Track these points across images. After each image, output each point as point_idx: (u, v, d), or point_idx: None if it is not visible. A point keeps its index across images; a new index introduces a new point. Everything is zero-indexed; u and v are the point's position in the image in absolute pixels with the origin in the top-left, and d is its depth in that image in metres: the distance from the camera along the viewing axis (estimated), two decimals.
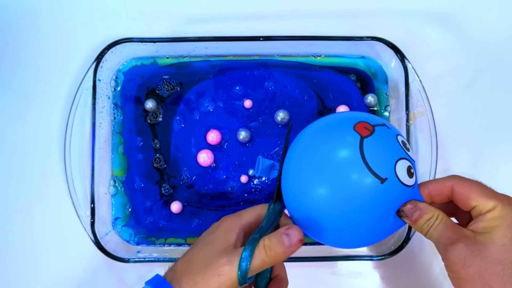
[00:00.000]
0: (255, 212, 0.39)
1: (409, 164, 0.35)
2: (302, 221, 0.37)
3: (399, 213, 0.36)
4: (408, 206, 0.36)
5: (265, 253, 0.34)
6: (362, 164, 0.33)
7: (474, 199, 0.36)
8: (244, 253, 0.34)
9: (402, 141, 0.36)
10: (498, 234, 0.34)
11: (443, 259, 0.35)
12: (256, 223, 0.38)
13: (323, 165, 0.34)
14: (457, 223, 0.36)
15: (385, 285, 0.52)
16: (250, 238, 0.35)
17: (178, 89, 0.53)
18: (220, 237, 0.37)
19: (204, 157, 0.51)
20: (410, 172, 0.35)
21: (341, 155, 0.34)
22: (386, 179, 0.33)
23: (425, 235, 0.36)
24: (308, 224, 0.37)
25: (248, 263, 0.33)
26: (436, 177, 0.49)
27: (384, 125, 0.36)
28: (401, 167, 0.34)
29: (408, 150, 0.36)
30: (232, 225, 0.38)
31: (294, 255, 0.49)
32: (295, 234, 0.34)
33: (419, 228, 0.36)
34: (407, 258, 0.52)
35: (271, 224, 0.37)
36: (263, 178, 0.52)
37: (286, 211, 0.39)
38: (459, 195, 0.36)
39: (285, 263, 0.49)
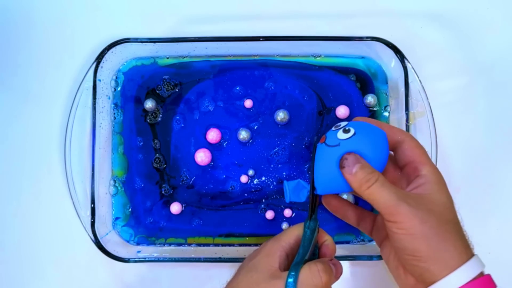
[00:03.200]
0: (293, 233, 0.39)
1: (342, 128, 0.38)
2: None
3: (341, 165, 0.37)
4: (349, 156, 0.36)
5: (319, 277, 0.36)
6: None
7: (421, 163, 0.38)
8: (289, 280, 0.35)
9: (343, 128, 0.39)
10: (440, 195, 0.37)
11: (393, 216, 0.35)
12: (296, 243, 0.39)
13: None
14: None
15: (385, 285, 0.52)
16: (293, 263, 0.36)
17: (178, 89, 0.53)
18: (263, 262, 0.37)
19: (202, 156, 0.52)
20: (345, 130, 0.38)
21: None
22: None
23: (365, 191, 0.36)
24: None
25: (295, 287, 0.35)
26: None
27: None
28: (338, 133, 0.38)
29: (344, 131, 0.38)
30: (273, 248, 0.38)
31: None
32: (340, 265, 0.39)
33: (357, 182, 0.36)
34: None
35: (309, 243, 0.38)
36: (263, 178, 0.52)
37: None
38: (408, 152, 0.39)
39: None
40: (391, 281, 0.52)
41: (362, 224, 0.42)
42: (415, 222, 0.35)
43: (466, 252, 0.36)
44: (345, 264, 0.52)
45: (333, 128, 0.39)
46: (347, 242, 0.51)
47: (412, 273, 0.36)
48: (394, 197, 0.35)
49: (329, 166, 0.37)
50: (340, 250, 0.50)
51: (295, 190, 0.40)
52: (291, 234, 0.39)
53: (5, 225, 0.53)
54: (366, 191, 0.36)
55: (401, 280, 0.38)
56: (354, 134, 0.37)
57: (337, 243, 0.50)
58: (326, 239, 0.40)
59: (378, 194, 0.36)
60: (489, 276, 0.36)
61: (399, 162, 0.40)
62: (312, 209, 0.39)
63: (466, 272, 0.35)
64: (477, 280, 0.34)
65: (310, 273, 0.36)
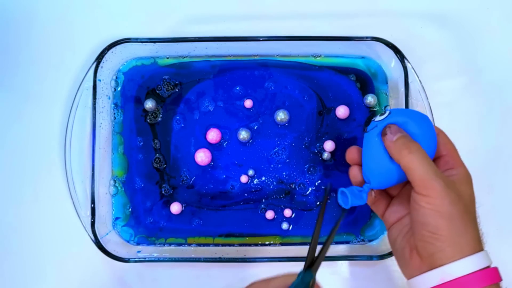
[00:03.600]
0: (285, 281, 0.37)
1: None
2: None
3: (384, 132, 0.38)
4: (392, 125, 0.38)
5: None
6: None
7: (453, 158, 0.40)
8: None
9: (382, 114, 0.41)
10: (468, 189, 0.39)
11: (426, 190, 0.36)
12: None
13: None
14: None
15: (385, 285, 0.52)
16: None
17: (178, 89, 0.53)
18: None
19: (202, 156, 0.52)
20: (381, 114, 0.40)
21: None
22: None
23: (405, 157, 0.36)
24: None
25: None
26: None
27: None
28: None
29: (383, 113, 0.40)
30: None
31: (294, 255, 0.49)
32: None
33: (397, 148, 0.37)
34: None
35: None
36: (263, 178, 0.52)
37: (318, 283, 0.37)
38: (442, 146, 0.40)
39: (284, 263, 0.49)
40: (391, 281, 0.52)
41: (377, 204, 0.43)
42: (446, 202, 0.35)
43: (479, 244, 0.37)
44: (345, 264, 0.52)
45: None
46: (347, 242, 0.51)
47: (422, 252, 0.37)
48: (432, 172, 0.36)
49: (373, 152, 0.39)
50: (340, 250, 0.50)
51: (355, 194, 0.39)
52: (282, 281, 0.37)
53: (5, 225, 0.53)
54: (406, 157, 0.36)
55: (405, 260, 0.38)
56: (390, 113, 0.39)
57: (337, 243, 0.51)
58: None
59: (417, 163, 0.36)
60: (496, 269, 0.37)
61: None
62: (311, 260, 0.37)
63: (475, 261, 0.35)
64: (483, 271, 0.35)
65: None
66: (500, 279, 0.36)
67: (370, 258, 0.48)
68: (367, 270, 0.52)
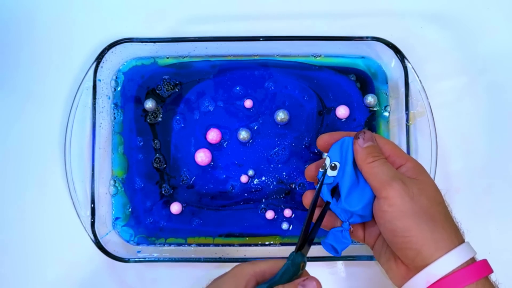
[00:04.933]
0: (274, 263, 0.36)
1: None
2: None
3: (356, 136, 0.38)
4: (367, 131, 0.39)
5: None
6: None
7: (397, 156, 0.39)
8: None
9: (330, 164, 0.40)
10: (427, 179, 0.38)
11: (386, 191, 0.36)
12: (271, 274, 0.36)
13: None
14: None
15: (384, 285, 0.52)
16: (258, 285, 0.34)
17: (178, 89, 0.53)
18: (228, 282, 0.35)
19: (202, 156, 0.52)
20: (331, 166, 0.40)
21: None
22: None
23: (367, 164, 0.37)
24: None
25: None
26: (436, 177, 0.49)
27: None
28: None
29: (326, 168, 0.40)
30: (243, 271, 0.36)
31: None
32: (312, 285, 0.34)
33: (364, 155, 0.37)
34: None
35: (287, 277, 0.34)
36: (263, 178, 0.52)
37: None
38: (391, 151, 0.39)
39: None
40: (391, 281, 0.52)
41: (354, 233, 0.42)
42: (406, 199, 0.35)
43: (457, 236, 0.36)
44: (345, 264, 0.52)
45: (321, 169, 0.40)
46: None
47: (404, 259, 0.36)
48: (390, 174, 0.36)
49: (353, 187, 0.39)
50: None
51: (339, 240, 0.39)
52: (271, 265, 0.36)
53: (5, 225, 0.53)
54: (368, 165, 0.37)
55: (393, 272, 0.38)
56: (339, 165, 0.39)
57: None
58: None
59: (378, 168, 0.37)
60: (485, 261, 0.36)
61: None
62: (304, 240, 0.37)
63: (458, 256, 0.34)
64: (472, 266, 0.34)
65: None
66: (491, 271, 0.35)
67: (370, 258, 0.48)
68: (367, 270, 0.52)
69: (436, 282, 0.34)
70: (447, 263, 0.34)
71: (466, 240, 0.36)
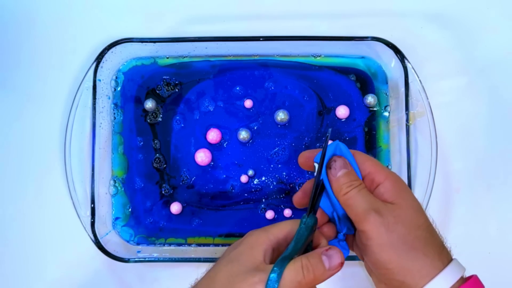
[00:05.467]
0: (285, 227, 0.35)
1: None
2: None
3: (328, 165, 0.36)
4: (338, 159, 0.36)
5: (302, 274, 0.32)
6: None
7: (376, 173, 0.37)
8: (271, 275, 0.31)
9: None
10: (405, 201, 0.35)
11: (362, 224, 0.34)
12: (285, 240, 0.35)
13: None
14: None
15: None
16: (279, 258, 0.33)
17: (178, 89, 0.53)
18: (246, 253, 0.34)
19: (202, 156, 0.52)
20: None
21: None
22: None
23: (343, 196, 0.35)
24: None
25: (276, 286, 0.31)
26: (436, 178, 0.49)
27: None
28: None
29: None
30: (258, 239, 0.35)
31: None
32: (337, 256, 0.34)
33: (339, 186, 0.36)
34: None
35: (303, 243, 0.34)
36: (263, 178, 0.52)
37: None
38: (360, 166, 0.37)
39: None
40: None
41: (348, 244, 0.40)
42: (382, 231, 0.34)
43: (441, 258, 0.34)
44: (345, 264, 0.52)
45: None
46: None
47: None
48: (365, 205, 0.35)
49: None
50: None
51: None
52: (282, 229, 0.35)
53: (5, 225, 0.53)
54: (343, 197, 0.36)
55: None
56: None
57: None
58: (321, 243, 0.36)
59: (353, 200, 0.35)
60: (475, 278, 0.35)
61: None
62: (313, 203, 0.36)
63: (444, 280, 0.33)
64: (462, 287, 0.33)
65: (294, 269, 0.32)
66: (482, 287, 0.35)
67: None
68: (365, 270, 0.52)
69: None
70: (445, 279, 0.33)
71: (454, 258, 0.35)
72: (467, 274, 0.36)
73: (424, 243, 0.34)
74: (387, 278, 0.35)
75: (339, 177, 0.36)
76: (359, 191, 0.35)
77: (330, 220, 0.39)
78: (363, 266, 0.52)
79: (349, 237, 0.40)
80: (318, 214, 0.37)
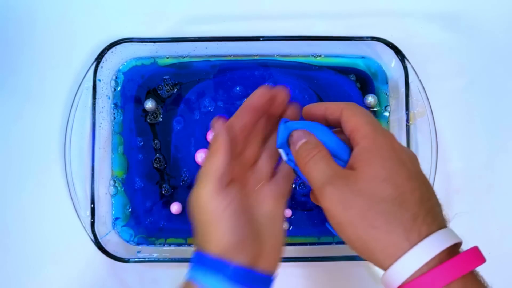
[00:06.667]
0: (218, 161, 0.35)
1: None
2: None
3: (289, 143, 0.35)
4: (297, 132, 0.34)
5: None
6: None
7: (355, 131, 0.33)
8: None
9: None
10: (370, 168, 0.30)
11: (321, 202, 0.31)
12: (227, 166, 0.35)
13: None
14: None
15: None
16: None
17: (178, 89, 0.53)
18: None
19: (202, 156, 0.52)
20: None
21: None
22: None
23: (303, 167, 0.33)
24: None
25: None
26: (436, 178, 0.49)
27: None
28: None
29: None
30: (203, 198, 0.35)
31: (294, 255, 0.49)
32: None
33: (298, 156, 0.33)
34: None
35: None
36: None
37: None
38: (346, 124, 0.34)
39: (284, 263, 0.49)
40: None
41: None
42: (339, 209, 0.30)
43: (410, 235, 0.29)
44: (345, 264, 0.52)
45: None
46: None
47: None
48: (321, 177, 0.31)
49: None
50: (340, 250, 0.50)
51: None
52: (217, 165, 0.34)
53: (5, 225, 0.53)
54: (305, 166, 0.32)
55: None
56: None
57: (336, 243, 0.51)
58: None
59: (310, 171, 0.32)
60: (460, 257, 0.29)
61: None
62: None
63: (411, 262, 0.28)
64: (439, 267, 0.28)
65: None
66: (472, 266, 0.29)
67: None
68: (366, 270, 0.52)
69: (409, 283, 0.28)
70: (399, 272, 0.28)
71: (438, 230, 0.29)
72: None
73: (386, 219, 0.29)
74: (361, 255, 0.32)
75: (297, 149, 0.33)
76: (318, 159, 0.32)
77: None
78: (369, 266, 0.52)
79: None
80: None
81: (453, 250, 0.29)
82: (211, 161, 0.34)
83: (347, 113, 0.34)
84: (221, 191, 0.33)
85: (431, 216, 0.30)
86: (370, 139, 0.31)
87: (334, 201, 0.30)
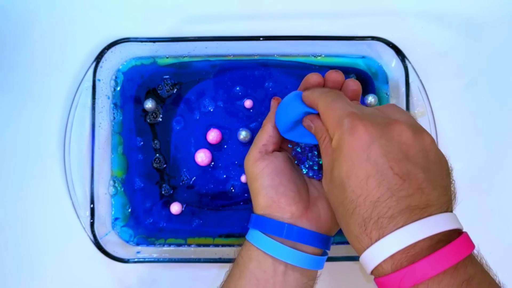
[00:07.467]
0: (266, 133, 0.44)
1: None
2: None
3: (305, 122, 0.40)
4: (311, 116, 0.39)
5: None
6: None
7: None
8: None
9: None
10: (331, 176, 0.34)
11: (345, 133, 0.33)
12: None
13: None
14: None
15: None
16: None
17: (177, 89, 0.53)
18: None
19: (202, 157, 0.51)
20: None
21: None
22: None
23: (329, 104, 0.36)
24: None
25: None
26: None
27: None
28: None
29: None
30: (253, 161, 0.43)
31: None
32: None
33: (322, 99, 0.37)
34: None
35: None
36: None
37: None
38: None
39: None
40: None
41: None
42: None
43: (363, 237, 0.31)
44: (345, 264, 0.52)
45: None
46: (347, 243, 0.51)
47: None
48: (347, 109, 0.35)
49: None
50: (340, 250, 0.50)
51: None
52: (264, 136, 0.44)
53: (4, 225, 0.53)
54: (329, 105, 0.37)
55: None
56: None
57: (337, 243, 0.51)
58: None
59: (336, 108, 0.36)
60: (434, 256, 0.29)
61: None
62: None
63: (372, 259, 0.31)
64: (439, 251, 0.29)
65: None
66: (471, 247, 0.30)
67: None
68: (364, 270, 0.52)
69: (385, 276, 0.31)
70: (370, 259, 0.31)
71: (398, 228, 0.30)
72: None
73: (347, 222, 0.32)
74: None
75: (321, 95, 0.38)
76: (342, 98, 0.37)
77: None
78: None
79: None
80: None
81: (448, 237, 0.30)
82: (258, 133, 0.44)
83: (320, 110, 0.37)
84: (260, 157, 0.42)
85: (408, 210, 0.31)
86: (339, 133, 0.34)
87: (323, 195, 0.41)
